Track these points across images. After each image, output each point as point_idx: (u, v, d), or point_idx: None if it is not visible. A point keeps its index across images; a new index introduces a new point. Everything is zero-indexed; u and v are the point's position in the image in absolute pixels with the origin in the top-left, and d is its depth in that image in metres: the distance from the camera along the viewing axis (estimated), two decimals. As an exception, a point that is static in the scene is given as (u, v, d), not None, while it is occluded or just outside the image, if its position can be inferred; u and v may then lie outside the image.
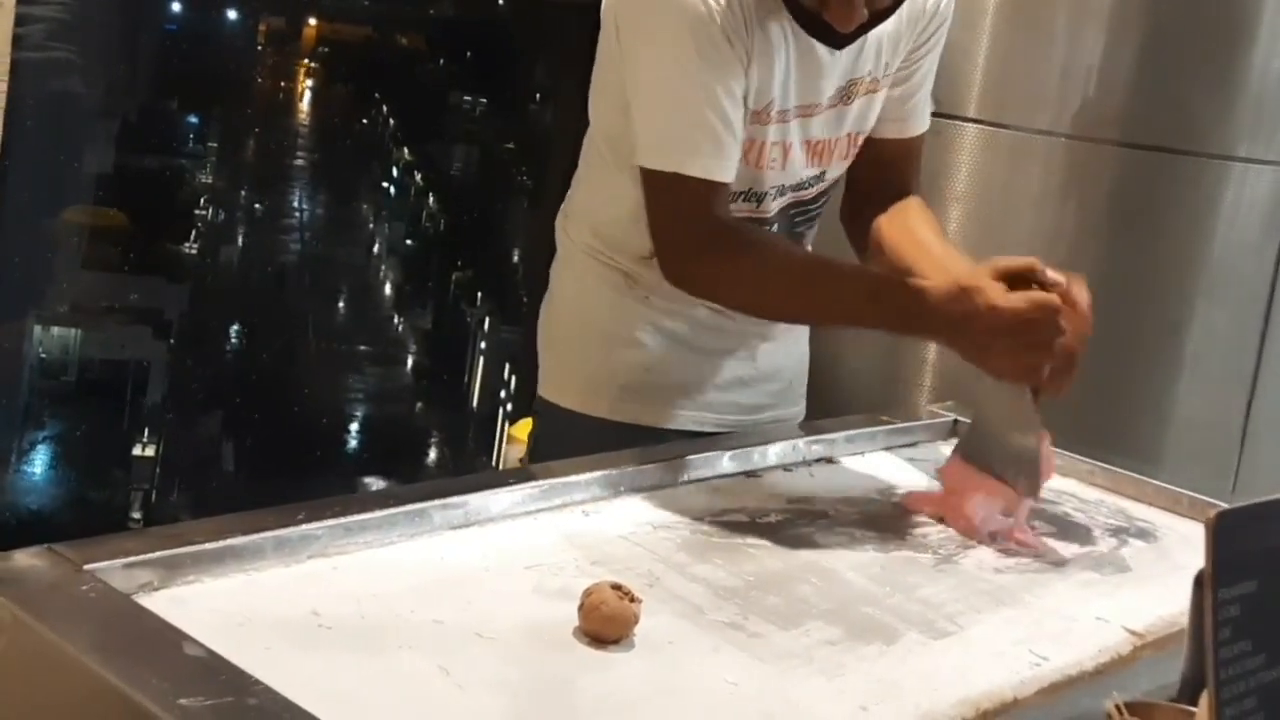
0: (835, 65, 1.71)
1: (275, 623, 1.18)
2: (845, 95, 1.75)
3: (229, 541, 1.25)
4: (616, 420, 1.80)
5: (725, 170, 1.64)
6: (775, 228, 1.81)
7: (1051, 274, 1.55)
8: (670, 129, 1.65)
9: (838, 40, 1.64)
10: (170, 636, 1.09)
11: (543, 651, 1.20)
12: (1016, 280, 1.54)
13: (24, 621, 1.08)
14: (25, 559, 1.17)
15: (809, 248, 1.89)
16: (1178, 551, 1.68)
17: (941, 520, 1.62)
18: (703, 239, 1.64)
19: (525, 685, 1.15)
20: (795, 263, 1.70)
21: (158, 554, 1.21)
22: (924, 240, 1.74)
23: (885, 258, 1.77)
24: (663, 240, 1.67)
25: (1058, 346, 1.52)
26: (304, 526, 1.30)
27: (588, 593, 1.23)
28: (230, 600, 1.20)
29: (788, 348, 1.92)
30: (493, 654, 1.18)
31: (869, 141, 1.85)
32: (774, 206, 1.79)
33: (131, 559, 1.19)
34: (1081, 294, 1.56)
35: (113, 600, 1.14)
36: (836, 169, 1.83)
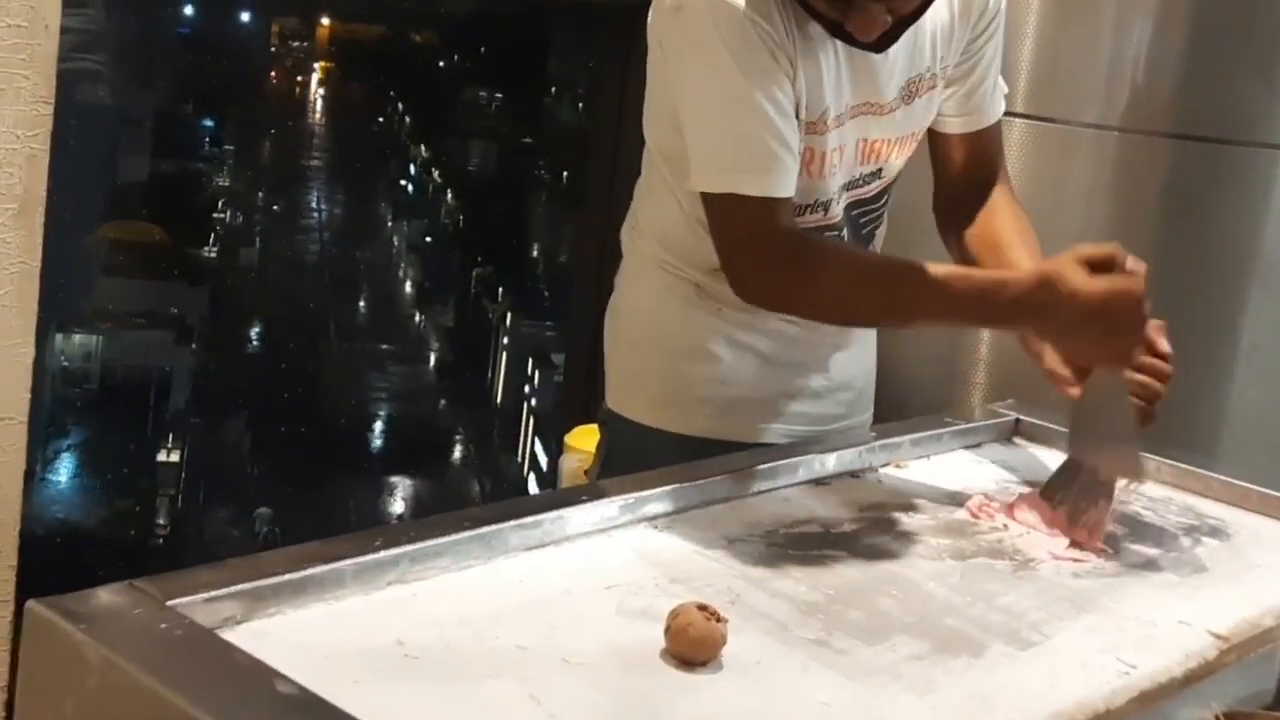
0: (893, 64, 1.69)
1: (361, 654, 1.16)
2: (909, 94, 1.73)
3: (309, 571, 1.24)
4: (690, 434, 1.78)
5: (783, 185, 1.62)
6: (845, 234, 1.79)
7: (1132, 261, 1.55)
8: (721, 149, 1.63)
9: (873, 45, 1.62)
10: (261, 674, 1.08)
11: (631, 676, 1.18)
12: (1098, 267, 1.54)
13: (113, 662, 1.07)
14: (107, 596, 1.16)
15: (879, 247, 1.87)
16: (1251, 549, 1.66)
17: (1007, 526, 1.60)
18: (771, 256, 1.62)
19: (617, 712, 1.14)
20: (871, 266, 1.69)
21: (239, 587, 1.19)
22: (1011, 261, 1.74)
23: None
24: (731, 262, 1.66)
25: (1143, 330, 1.56)
26: (382, 553, 1.28)
27: (674, 614, 1.21)
28: (313, 632, 1.19)
29: (858, 356, 1.90)
30: (581, 680, 1.17)
31: (944, 137, 1.84)
32: (839, 210, 1.77)
33: (213, 593, 1.18)
34: (1161, 341, 1.64)
35: (199, 637, 1.13)
36: (895, 165, 1.81)
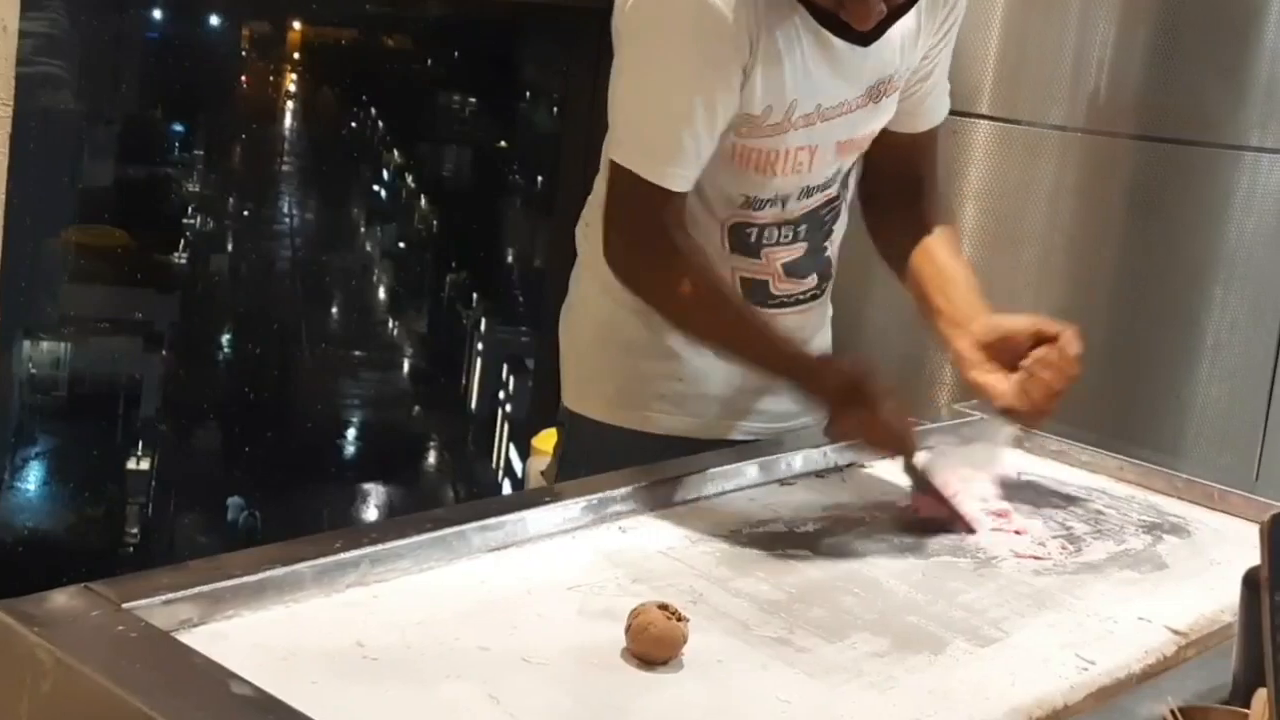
0: (864, 64, 1.70)
1: (320, 655, 1.16)
2: (876, 93, 1.74)
3: (268, 573, 1.23)
4: (649, 432, 1.79)
5: (682, 181, 1.66)
6: (803, 228, 1.80)
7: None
8: (639, 128, 1.68)
9: (861, 37, 1.63)
10: (217, 675, 1.07)
11: (592, 675, 1.19)
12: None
13: (68, 664, 1.07)
14: (63, 599, 1.16)
15: (838, 239, 1.88)
16: (1212, 547, 1.67)
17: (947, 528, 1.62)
18: (641, 243, 1.69)
19: (577, 711, 1.14)
20: (710, 296, 1.71)
21: (196, 589, 1.19)
22: (940, 275, 1.82)
23: (908, 278, 1.85)
24: (608, 233, 1.72)
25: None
26: (342, 555, 1.28)
27: (635, 613, 1.21)
28: (272, 634, 1.19)
29: (818, 353, 1.91)
30: (542, 680, 1.17)
31: (893, 136, 1.85)
32: (799, 208, 1.77)
33: (170, 595, 1.17)
34: (1073, 345, 1.68)
35: (155, 639, 1.12)
36: (852, 160, 1.83)
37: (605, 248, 1.73)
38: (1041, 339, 1.69)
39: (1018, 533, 1.62)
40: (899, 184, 1.88)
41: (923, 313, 1.84)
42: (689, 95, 1.63)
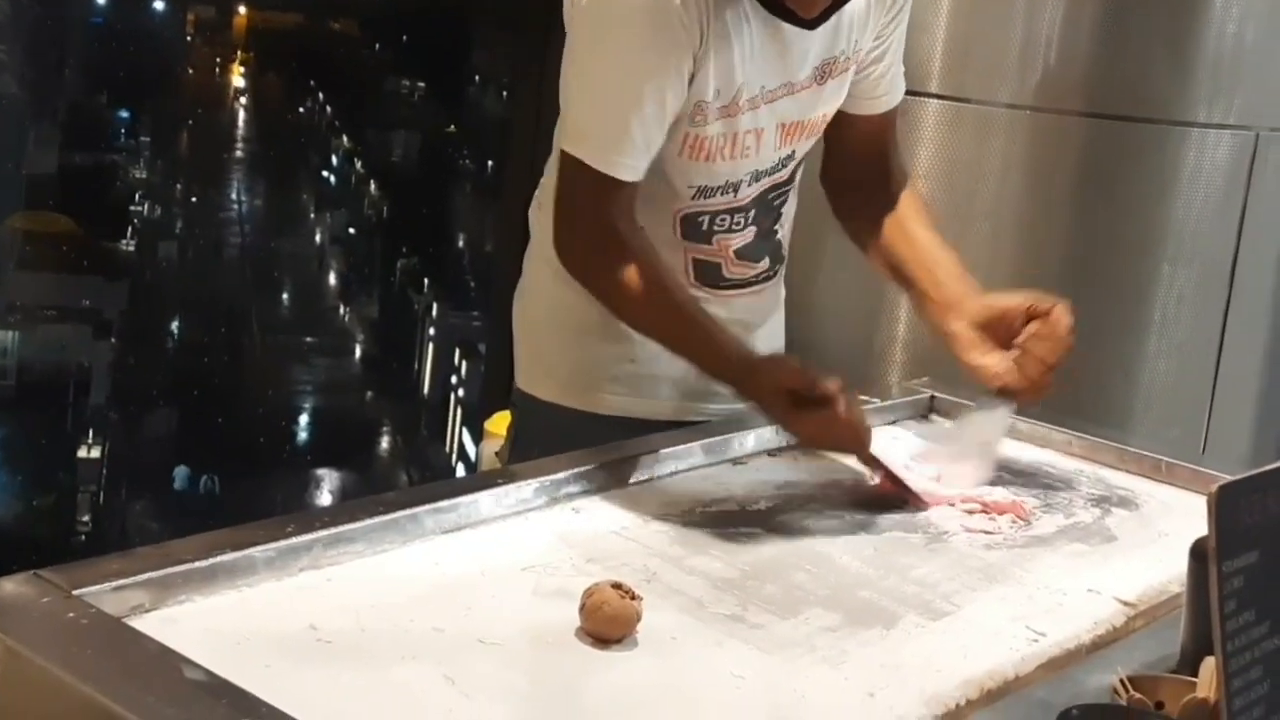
0: (810, 46, 1.70)
1: (273, 639, 1.15)
2: (821, 75, 1.74)
3: (219, 559, 1.23)
4: (601, 413, 1.79)
5: (629, 170, 1.65)
6: (753, 213, 1.80)
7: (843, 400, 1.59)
8: (588, 116, 1.67)
9: (808, 22, 1.63)
10: (169, 660, 1.07)
11: (547, 655, 1.19)
12: (804, 400, 1.59)
13: (17, 652, 1.06)
14: (11, 586, 1.14)
15: (788, 224, 1.88)
16: (1159, 519, 1.69)
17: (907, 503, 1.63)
18: (591, 235, 1.68)
19: (532, 690, 1.14)
20: (654, 289, 1.69)
21: (147, 575, 1.18)
22: (923, 257, 1.81)
23: (883, 260, 1.85)
24: (559, 220, 1.71)
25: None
26: (294, 539, 1.28)
27: (588, 593, 1.21)
28: (224, 618, 1.18)
29: (769, 334, 1.91)
30: (496, 660, 1.17)
31: (848, 118, 1.85)
32: (749, 193, 1.78)
33: (121, 581, 1.16)
34: (1064, 318, 1.68)
35: (106, 625, 1.11)
36: (805, 145, 1.82)
37: (555, 237, 1.73)
38: (1034, 315, 1.70)
39: (987, 511, 1.62)
40: (864, 167, 1.89)
41: (910, 295, 1.84)
42: (639, 84, 1.62)
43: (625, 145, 1.63)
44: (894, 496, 1.62)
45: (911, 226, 1.84)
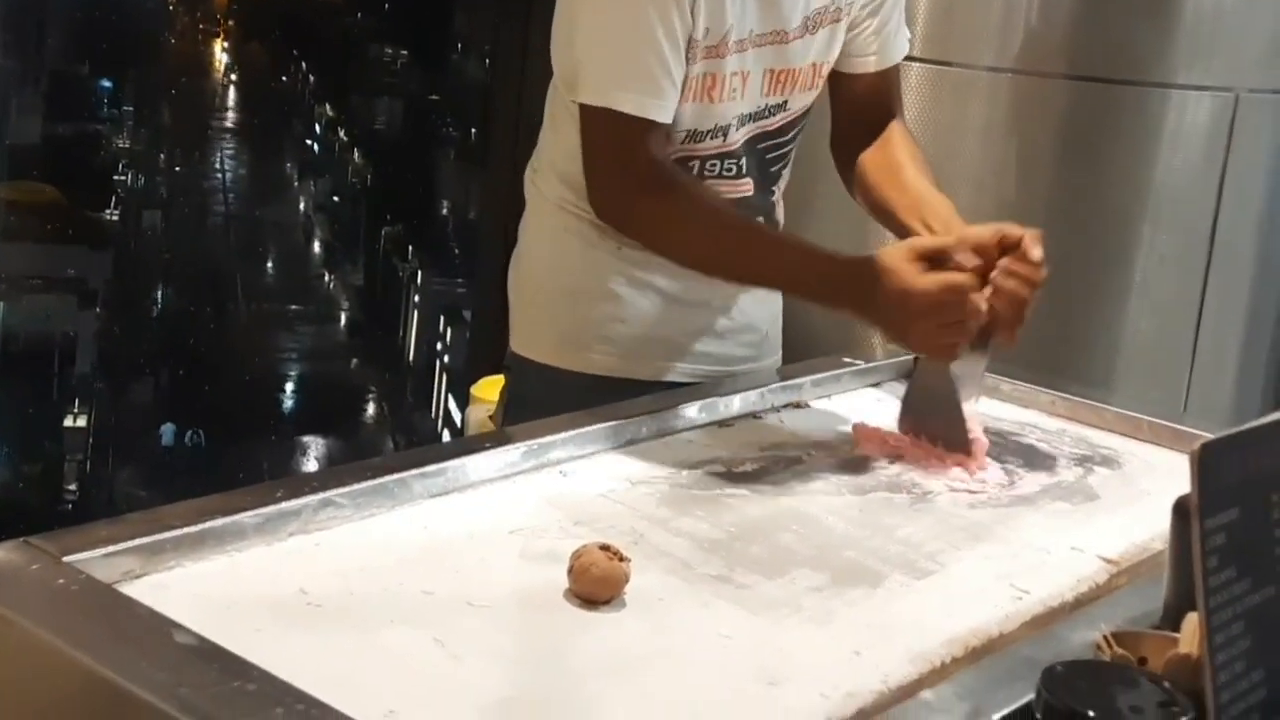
0: None
1: (263, 604, 1.16)
2: (811, 25, 1.75)
3: (209, 524, 1.23)
4: (592, 374, 1.79)
5: (661, 110, 1.64)
6: (745, 161, 1.79)
7: (962, 257, 1.59)
8: (607, 64, 1.66)
9: None
10: (159, 625, 1.07)
11: (535, 617, 1.19)
12: (931, 261, 1.58)
13: (8, 619, 1.06)
14: (2, 553, 1.15)
15: (782, 190, 1.88)
16: (1142, 477, 1.70)
17: (899, 459, 1.64)
18: (635, 177, 1.66)
19: (521, 652, 1.15)
20: (726, 218, 1.69)
21: (137, 541, 1.19)
22: (905, 180, 1.78)
23: (868, 194, 1.82)
24: (595, 177, 1.69)
25: (971, 326, 1.59)
26: (284, 504, 1.28)
27: (576, 555, 1.22)
28: (215, 584, 1.19)
29: (763, 298, 1.91)
30: (486, 622, 1.17)
31: (848, 77, 1.85)
32: (739, 137, 1.77)
33: (111, 548, 1.17)
34: (1034, 249, 1.61)
35: (97, 592, 1.12)
36: (800, 99, 1.82)
37: (592, 198, 1.69)
38: (1005, 247, 1.62)
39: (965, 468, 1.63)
40: (866, 123, 1.87)
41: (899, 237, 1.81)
42: (650, 22, 1.61)
43: (648, 84, 1.63)
44: (883, 456, 1.63)
45: (906, 175, 1.81)
